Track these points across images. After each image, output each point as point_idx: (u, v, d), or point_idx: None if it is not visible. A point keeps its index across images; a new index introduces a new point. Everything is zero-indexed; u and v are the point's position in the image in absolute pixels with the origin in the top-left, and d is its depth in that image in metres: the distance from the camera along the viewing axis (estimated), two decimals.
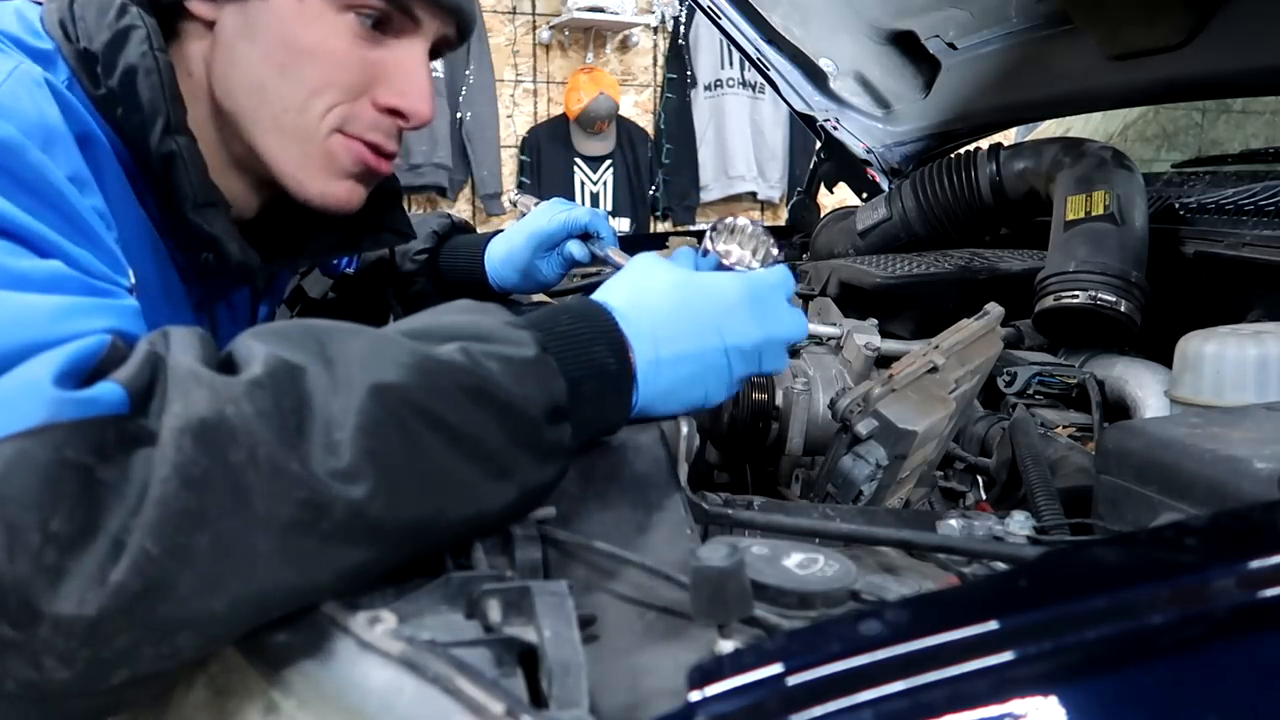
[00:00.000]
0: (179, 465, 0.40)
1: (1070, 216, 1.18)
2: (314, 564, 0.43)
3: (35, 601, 0.38)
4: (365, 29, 0.78)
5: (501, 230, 1.21)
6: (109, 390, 0.43)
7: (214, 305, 0.91)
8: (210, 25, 0.79)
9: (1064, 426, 0.99)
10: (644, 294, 0.67)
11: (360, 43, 0.78)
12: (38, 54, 0.72)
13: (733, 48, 1.85)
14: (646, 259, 0.71)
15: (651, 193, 5.18)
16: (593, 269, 1.26)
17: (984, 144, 1.48)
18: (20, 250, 0.54)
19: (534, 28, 5.00)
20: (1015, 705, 0.35)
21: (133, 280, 0.65)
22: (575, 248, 1.15)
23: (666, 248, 1.83)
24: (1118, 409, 1.02)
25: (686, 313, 0.66)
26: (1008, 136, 2.60)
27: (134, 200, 0.76)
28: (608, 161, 5.07)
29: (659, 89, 5.27)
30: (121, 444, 0.41)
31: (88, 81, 0.74)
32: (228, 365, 0.46)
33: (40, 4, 0.77)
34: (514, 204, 1.33)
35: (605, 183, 5.08)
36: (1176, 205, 1.29)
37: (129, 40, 0.73)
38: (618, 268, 1.08)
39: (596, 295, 0.67)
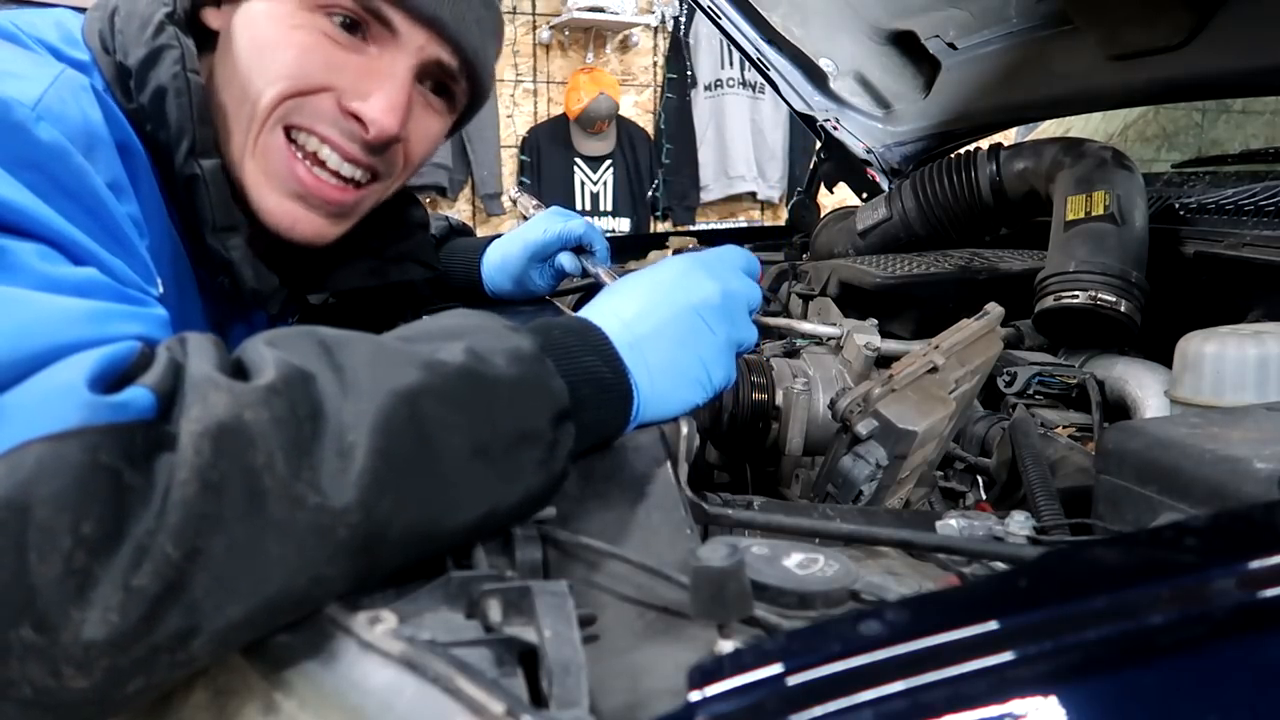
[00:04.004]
0: (198, 469, 0.40)
1: (1070, 216, 1.18)
2: (326, 568, 0.43)
3: (62, 606, 0.37)
4: (337, 30, 0.78)
5: (500, 235, 1.21)
6: (140, 395, 0.43)
7: (232, 323, 0.91)
8: None
9: (1064, 426, 0.99)
10: (623, 302, 0.68)
11: (330, 43, 0.78)
12: (73, 63, 0.72)
13: (733, 48, 1.85)
14: (628, 277, 0.73)
15: (651, 193, 5.18)
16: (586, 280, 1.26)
17: (984, 144, 1.48)
18: (56, 256, 0.54)
19: (534, 28, 5.00)
20: (1015, 705, 0.35)
21: (161, 289, 0.66)
22: (566, 260, 1.15)
23: (666, 247, 1.84)
24: (1118, 409, 1.02)
25: (656, 297, 0.68)
26: (1008, 136, 2.61)
27: (164, 212, 0.76)
28: (608, 161, 5.07)
29: (659, 89, 5.27)
30: (147, 449, 0.41)
31: (121, 94, 0.74)
32: (239, 371, 0.46)
33: (82, 13, 0.78)
34: (514, 202, 1.32)
35: (605, 183, 5.08)
36: (1176, 205, 1.29)
37: (162, 60, 0.73)
38: (606, 286, 1.09)
39: (582, 313, 0.68)
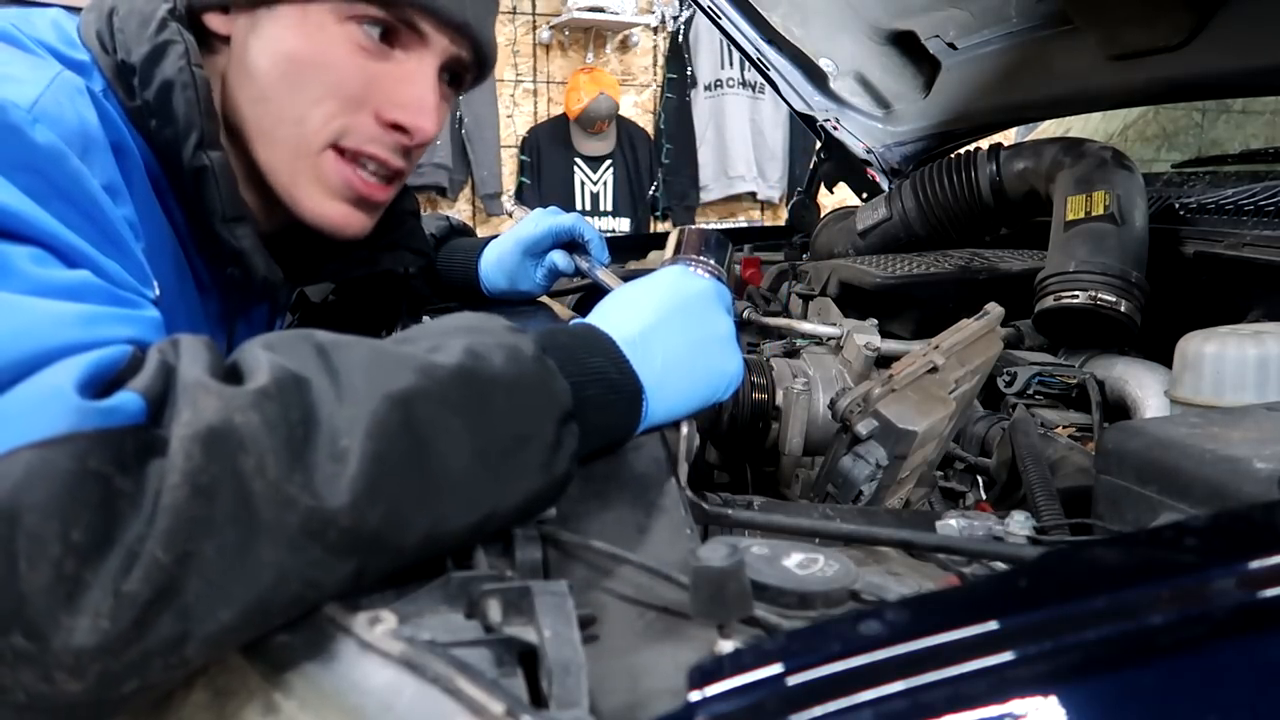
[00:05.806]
0: (188, 473, 0.40)
1: (1070, 216, 1.18)
2: (318, 572, 0.43)
3: (52, 613, 0.37)
4: (370, 41, 0.78)
5: (497, 235, 1.22)
6: (129, 400, 0.42)
7: (233, 320, 0.91)
8: (229, 41, 0.80)
9: (1064, 426, 0.99)
10: (633, 307, 0.68)
11: (363, 54, 0.78)
12: (73, 64, 0.72)
13: (733, 48, 1.85)
14: (629, 285, 0.73)
15: (651, 193, 5.18)
16: (583, 281, 1.27)
17: (984, 144, 1.48)
18: (50, 259, 0.54)
19: (534, 28, 5.00)
20: (1015, 705, 0.35)
21: (158, 292, 0.66)
22: (559, 258, 1.15)
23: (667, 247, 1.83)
24: (1118, 409, 1.02)
25: (653, 300, 0.69)
26: (1008, 136, 2.61)
27: (160, 212, 0.76)
28: (608, 161, 5.07)
29: (659, 89, 5.27)
30: (138, 454, 0.41)
31: (123, 93, 0.74)
32: (233, 374, 0.46)
33: (77, 13, 0.78)
34: (510, 214, 1.33)
35: (605, 183, 5.08)
36: (1176, 205, 1.29)
37: (167, 55, 0.74)
38: (600, 283, 1.09)
39: (588, 319, 0.68)
